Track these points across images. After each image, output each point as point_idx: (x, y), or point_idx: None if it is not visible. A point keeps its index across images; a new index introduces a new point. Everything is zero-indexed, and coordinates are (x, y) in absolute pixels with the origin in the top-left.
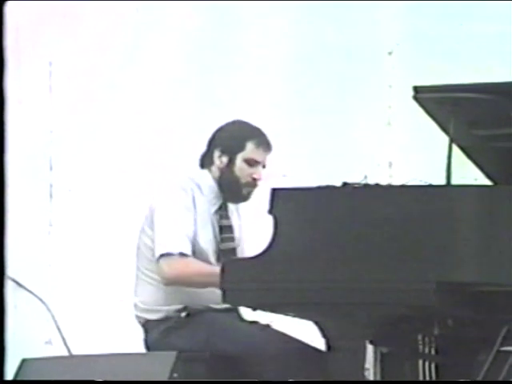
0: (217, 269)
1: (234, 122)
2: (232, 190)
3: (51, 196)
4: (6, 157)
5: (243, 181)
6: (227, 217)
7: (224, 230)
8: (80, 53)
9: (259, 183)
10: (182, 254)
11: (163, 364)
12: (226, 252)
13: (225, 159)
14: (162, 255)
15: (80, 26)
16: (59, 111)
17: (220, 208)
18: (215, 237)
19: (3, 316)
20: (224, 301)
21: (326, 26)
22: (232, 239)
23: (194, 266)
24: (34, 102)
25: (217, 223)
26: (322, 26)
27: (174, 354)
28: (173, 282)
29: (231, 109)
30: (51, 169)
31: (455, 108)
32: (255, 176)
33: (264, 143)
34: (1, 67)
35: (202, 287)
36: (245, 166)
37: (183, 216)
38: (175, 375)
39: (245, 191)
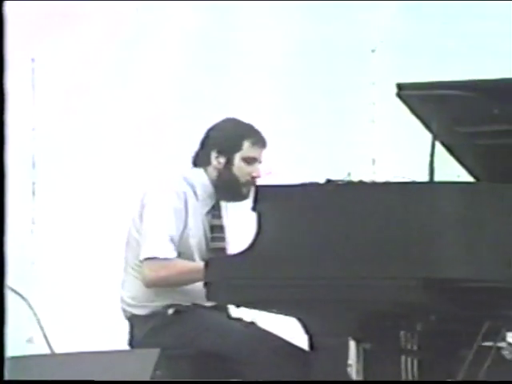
0: (199, 264)
1: (226, 121)
2: (232, 189)
3: (34, 194)
4: (6, 157)
5: (243, 180)
6: (219, 216)
7: (215, 230)
8: (65, 50)
9: (257, 180)
10: (166, 259)
11: (146, 361)
12: (215, 251)
13: (222, 160)
14: (146, 258)
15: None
16: (41, 108)
17: (213, 207)
18: (206, 237)
19: (3, 316)
20: (208, 297)
21: (309, 24)
22: (222, 239)
23: (176, 267)
24: (16, 98)
25: (208, 223)
26: (304, 24)
27: (157, 351)
28: (154, 285)
29: (225, 107)
30: (34, 166)
31: (438, 105)
32: (254, 174)
33: (260, 140)
34: (1, 67)
35: (186, 284)
36: (243, 164)
37: (171, 218)
38: (158, 373)
39: (244, 190)
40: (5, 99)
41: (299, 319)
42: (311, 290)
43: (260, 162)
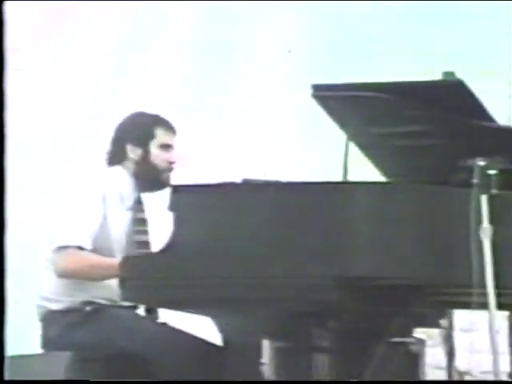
0: (115, 261)
1: (133, 114)
2: (152, 178)
3: None
4: (6, 157)
5: (161, 167)
6: (142, 210)
7: (138, 223)
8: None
9: (174, 166)
10: (79, 248)
11: (58, 364)
12: (138, 244)
13: (139, 151)
14: (59, 247)
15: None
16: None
17: (135, 201)
18: (128, 231)
19: (3, 316)
20: (122, 297)
21: (230, 25)
22: (146, 232)
23: (90, 260)
24: None
25: (131, 217)
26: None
27: (68, 354)
28: (66, 275)
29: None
30: None
31: (353, 106)
32: (171, 160)
33: (170, 126)
34: (1, 67)
35: (100, 280)
36: (160, 152)
37: (88, 212)
38: (70, 375)
39: (164, 177)
40: (4, 99)
41: (213, 318)
42: (224, 290)
43: (173, 148)
